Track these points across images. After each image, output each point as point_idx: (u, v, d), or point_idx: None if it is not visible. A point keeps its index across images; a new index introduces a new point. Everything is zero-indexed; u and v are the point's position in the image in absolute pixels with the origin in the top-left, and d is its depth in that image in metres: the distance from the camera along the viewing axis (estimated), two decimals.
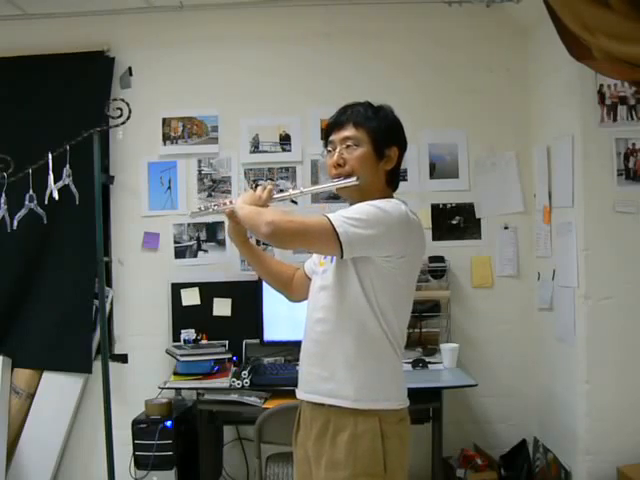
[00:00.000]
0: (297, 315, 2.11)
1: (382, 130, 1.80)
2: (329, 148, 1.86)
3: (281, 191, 3.49)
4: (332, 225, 1.63)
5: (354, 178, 1.77)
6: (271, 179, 3.46)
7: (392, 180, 1.85)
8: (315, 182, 3.42)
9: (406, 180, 3.41)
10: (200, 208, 2.04)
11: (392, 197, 1.83)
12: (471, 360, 3.28)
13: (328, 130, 1.87)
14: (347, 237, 1.63)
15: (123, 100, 3.03)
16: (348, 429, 1.67)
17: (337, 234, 1.62)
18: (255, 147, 3.47)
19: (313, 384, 1.77)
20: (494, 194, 3.40)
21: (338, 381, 1.71)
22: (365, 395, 1.69)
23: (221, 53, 3.47)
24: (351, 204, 1.83)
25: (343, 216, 1.66)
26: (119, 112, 3.02)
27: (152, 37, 3.46)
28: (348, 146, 1.79)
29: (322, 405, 1.74)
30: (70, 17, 3.40)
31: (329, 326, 1.74)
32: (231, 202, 1.92)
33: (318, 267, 1.87)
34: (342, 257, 1.66)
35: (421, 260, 1.84)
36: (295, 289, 2.04)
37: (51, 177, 2.94)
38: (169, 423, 2.97)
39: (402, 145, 1.86)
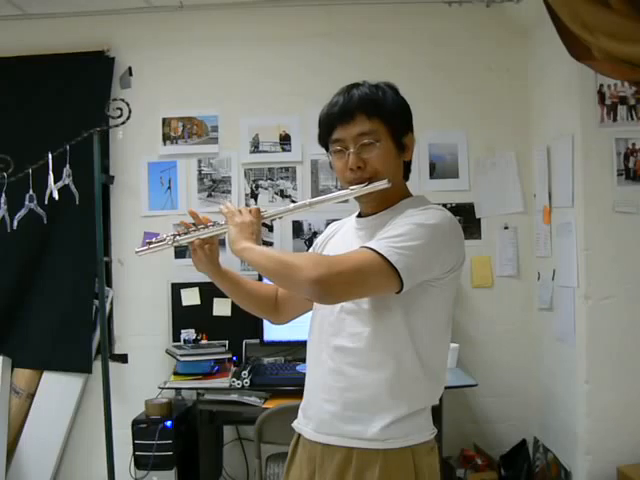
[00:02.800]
0: None
1: (397, 116, 1.51)
2: (337, 147, 1.51)
3: (281, 193, 3.61)
4: (387, 260, 1.35)
5: (385, 180, 1.48)
6: (271, 179, 3.46)
7: (407, 171, 1.61)
8: (315, 181, 3.42)
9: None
10: (150, 242, 1.63)
11: (410, 194, 1.60)
12: (471, 360, 3.28)
13: (331, 125, 1.52)
14: (407, 270, 1.35)
15: (123, 100, 3.02)
16: (377, 465, 1.42)
17: (395, 269, 1.35)
18: (255, 147, 3.47)
19: (330, 423, 1.48)
20: (494, 194, 3.40)
21: (364, 422, 1.44)
22: (395, 433, 1.44)
23: (221, 53, 3.47)
24: (367, 208, 1.57)
25: (392, 246, 1.37)
26: (119, 112, 3.01)
27: (152, 37, 3.46)
28: (365, 144, 1.48)
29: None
30: (70, 17, 3.40)
31: (357, 358, 1.46)
32: (194, 228, 1.61)
33: None
34: (400, 293, 1.39)
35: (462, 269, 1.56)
36: (281, 310, 1.76)
37: (51, 177, 2.94)
38: (169, 423, 2.97)
39: (412, 129, 1.58)
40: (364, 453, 1.44)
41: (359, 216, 1.62)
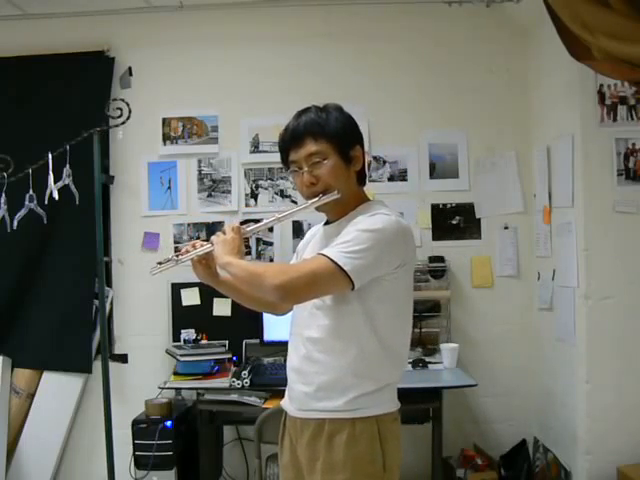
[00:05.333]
0: None
1: (341, 133, 1.72)
2: (294, 168, 1.77)
3: (281, 193, 3.61)
4: (337, 264, 1.57)
5: (335, 192, 1.70)
6: (271, 179, 3.46)
7: (361, 178, 1.80)
8: None
9: (406, 180, 3.42)
10: (160, 263, 1.84)
11: (368, 198, 1.80)
12: (471, 360, 3.28)
13: (285, 149, 1.78)
14: (355, 272, 1.58)
15: (123, 100, 3.03)
16: (345, 431, 1.65)
17: (345, 272, 1.57)
18: (255, 147, 3.47)
19: (305, 402, 1.72)
20: (494, 194, 3.40)
21: (332, 399, 1.67)
22: (362, 405, 1.67)
23: (221, 53, 3.47)
24: (330, 216, 1.80)
25: (342, 251, 1.59)
26: (119, 112, 3.02)
27: (152, 37, 3.46)
28: (314, 162, 1.71)
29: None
30: (70, 17, 3.41)
31: (324, 346, 1.69)
32: (194, 246, 1.82)
33: None
34: (353, 290, 1.61)
35: (415, 263, 1.81)
36: (277, 305, 1.91)
37: (51, 177, 2.94)
38: (169, 423, 2.97)
39: (361, 140, 1.79)
40: (334, 421, 1.67)
41: (326, 223, 1.84)
